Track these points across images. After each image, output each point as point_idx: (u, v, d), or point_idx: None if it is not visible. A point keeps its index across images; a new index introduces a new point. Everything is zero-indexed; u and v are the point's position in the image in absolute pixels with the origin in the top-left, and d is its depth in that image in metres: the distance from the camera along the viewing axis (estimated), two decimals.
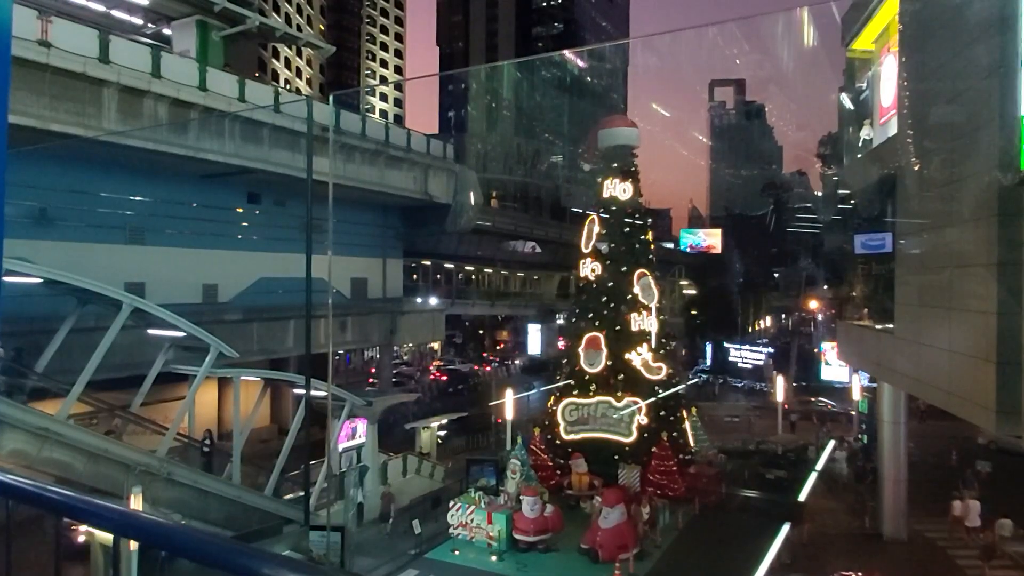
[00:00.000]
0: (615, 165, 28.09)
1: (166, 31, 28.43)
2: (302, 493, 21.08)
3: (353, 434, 22.64)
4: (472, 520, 20.88)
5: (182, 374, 18.95)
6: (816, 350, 54.15)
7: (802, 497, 23.69)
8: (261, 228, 29.93)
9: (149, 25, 28.72)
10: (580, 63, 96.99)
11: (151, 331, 17.73)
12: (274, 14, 68.61)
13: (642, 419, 25.03)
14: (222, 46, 27.89)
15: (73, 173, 22.59)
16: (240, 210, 29.61)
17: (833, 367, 43.90)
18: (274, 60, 73.10)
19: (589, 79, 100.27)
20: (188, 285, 26.85)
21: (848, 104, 23.09)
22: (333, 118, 29.45)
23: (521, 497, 20.87)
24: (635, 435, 24.94)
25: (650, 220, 30.22)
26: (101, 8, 26.91)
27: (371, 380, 41.14)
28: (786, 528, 20.60)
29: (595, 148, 31.39)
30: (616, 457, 24.77)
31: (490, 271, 57.29)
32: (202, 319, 19.59)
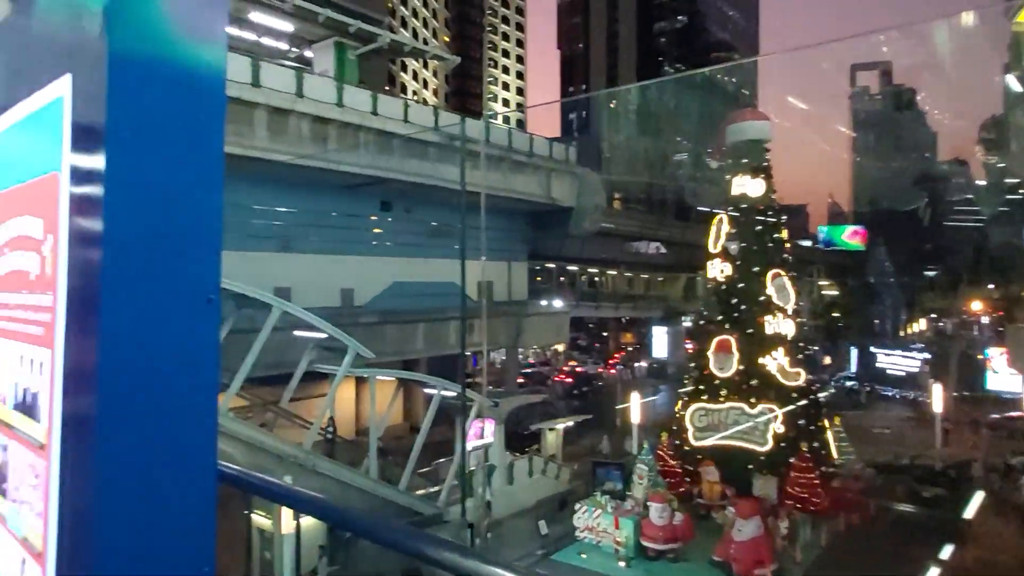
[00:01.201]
0: (745, 161, 26.92)
1: (307, 54, 30.63)
2: (432, 489, 21.89)
3: (481, 434, 23.15)
4: (599, 524, 20.70)
5: (323, 373, 20.29)
6: (980, 356, 48.94)
7: (966, 515, 21.48)
8: (393, 234, 31.41)
9: (293, 49, 31.07)
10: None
11: (296, 332, 19.11)
12: (402, 30, 71.97)
13: (779, 427, 23.74)
14: (357, 64, 29.61)
15: (231, 188, 24.77)
16: (374, 217, 31.24)
17: (1001, 375, 39.42)
18: (402, 73, 76.62)
19: (718, 75, 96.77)
20: (328, 289, 28.62)
21: (1015, 84, 20.74)
22: (485, 135, 30.37)
23: (649, 503, 20.42)
24: (771, 444, 23.70)
25: (784, 217, 28.65)
26: (252, 37, 29.44)
27: (520, 380, 40.88)
28: (947, 550, 18.74)
29: (723, 144, 30.22)
30: (750, 467, 23.67)
31: (614, 273, 56.73)
32: (341, 321, 20.80)
